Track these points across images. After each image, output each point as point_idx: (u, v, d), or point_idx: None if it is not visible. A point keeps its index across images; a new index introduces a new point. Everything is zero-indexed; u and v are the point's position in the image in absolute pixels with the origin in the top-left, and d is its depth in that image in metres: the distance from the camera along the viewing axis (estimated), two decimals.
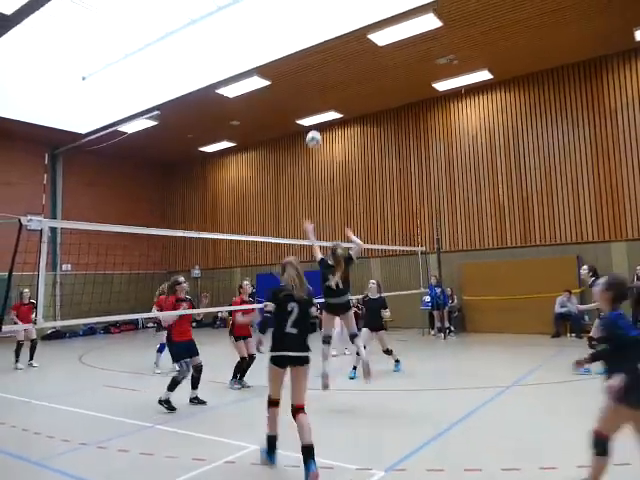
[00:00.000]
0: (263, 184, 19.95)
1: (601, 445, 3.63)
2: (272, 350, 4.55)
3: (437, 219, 15.25)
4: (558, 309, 12.62)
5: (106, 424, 6.28)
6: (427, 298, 14.20)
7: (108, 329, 18.94)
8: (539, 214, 14.00)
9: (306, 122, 17.41)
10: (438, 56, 12.91)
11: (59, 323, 12.85)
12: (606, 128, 13.21)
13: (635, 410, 3.47)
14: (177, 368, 6.92)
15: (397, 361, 9.06)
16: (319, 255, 7.18)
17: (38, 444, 5.63)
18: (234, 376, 8.13)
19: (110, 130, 16.32)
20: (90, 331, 18.62)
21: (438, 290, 13.73)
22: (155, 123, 16.24)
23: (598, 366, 6.89)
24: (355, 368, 8.39)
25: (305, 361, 4.52)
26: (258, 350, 4.88)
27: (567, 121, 13.74)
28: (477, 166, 15.09)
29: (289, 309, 4.57)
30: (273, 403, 4.63)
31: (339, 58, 12.83)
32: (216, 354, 12.21)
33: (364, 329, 8.79)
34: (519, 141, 14.44)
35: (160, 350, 9.83)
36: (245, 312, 7.94)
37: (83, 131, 16.99)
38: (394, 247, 15.36)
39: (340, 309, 6.91)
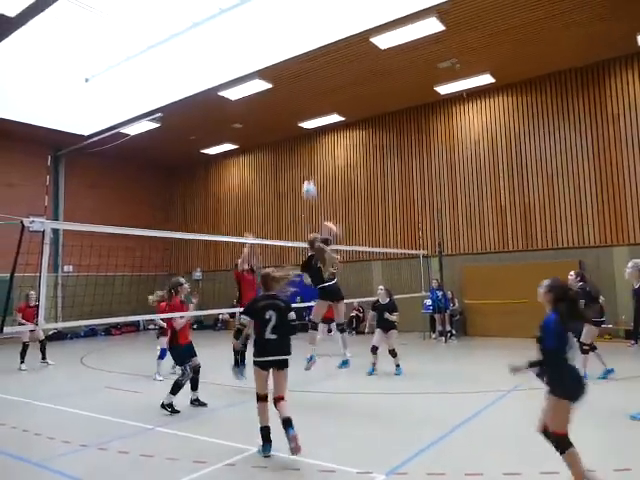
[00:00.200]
0: (265, 186, 19.97)
1: (564, 442, 3.87)
2: (255, 355, 5.06)
3: (439, 222, 15.26)
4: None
5: (107, 426, 6.29)
6: (428, 302, 14.18)
7: (109, 331, 18.94)
8: (541, 218, 13.99)
9: (308, 125, 17.46)
10: (440, 60, 12.92)
11: (61, 325, 12.85)
12: (608, 132, 13.21)
13: (572, 402, 3.85)
14: (178, 371, 6.91)
15: (398, 365, 9.20)
16: (307, 279, 7.28)
17: (39, 445, 5.64)
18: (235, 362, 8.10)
19: (113, 132, 16.35)
20: (91, 332, 18.65)
21: (439, 294, 13.72)
22: (157, 125, 16.28)
23: (597, 372, 6.83)
24: (399, 365, 9.08)
25: (284, 365, 5.06)
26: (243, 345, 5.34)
27: (569, 125, 13.74)
28: (479, 170, 15.09)
29: (267, 317, 5.06)
30: (261, 398, 5.07)
31: (341, 61, 12.85)
32: (216, 357, 12.21)
33: (377, 330, 9.41)
34: (521, 145, 14.44)
35: (161, 357, 9.57)
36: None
37: (86, 133, 17.03)
38: (395, 250, 15.35)
39: (336, 295, 7.13)
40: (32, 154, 17.61)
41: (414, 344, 13.11)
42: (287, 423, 4.78)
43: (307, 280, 7.11)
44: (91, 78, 14.57)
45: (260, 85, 13.78)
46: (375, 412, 6.68)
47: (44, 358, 11.48)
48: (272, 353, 5.01)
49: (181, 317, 7.00)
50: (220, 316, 18.97)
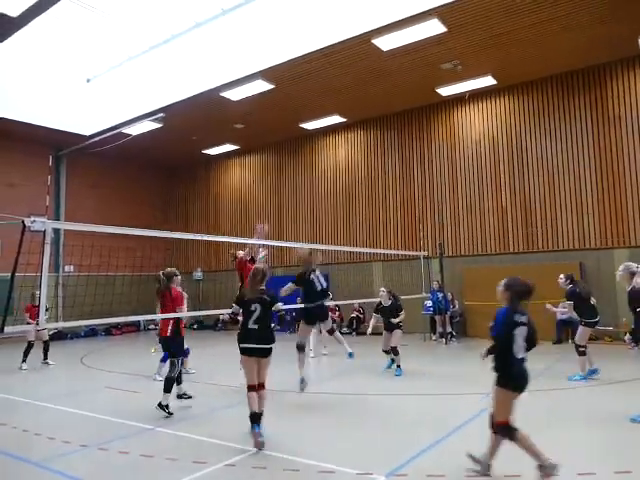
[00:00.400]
0: (266, 187, 19.99)
1: (509, 430, 4.14)
2: (239, 342, 5.61)
3: (439, 224, 15.25)
4: (560, 315, 12.59)
5: (107, 426, 6.29)
6: (429, 303, 14.18)
7: (109, 331, 18.96)
8: (542, 220, 13.98)
9: (309, 126, 17.47)
10: (442, 61, 12.93)
11: (61, 324, 12.88)
12: (610, 134, 13.21)
13: (514, 393, 4.16)
14: (168, 366, 6.93)
15: (398, 366, 9.20)
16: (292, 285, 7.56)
17: (39, 445, 5.64)
18: None
19: (114, 132, 16.37)
20: (92, 332, 18.66)
21: (440, 295, 13.71)
22: (159, 125, 16.30)
23: (596, 373, 6.84)
24: (399, 366, 9.12)
25: (266, 353, 5.55)
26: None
27: (571, 127, 13.74)
28: (480, 172, 15.09)
29: (252, 309, 5.58)
30: (250, 388, 5.50)
31: (343, 62, 12.87)
32: (216, 357, 12.23)
33: (384, 332, 9.54)
34: (522, 147, 14.44)
35: (164, 359, 9.33)
36: None
37: (87, 133, 17.04)
38: (396, 252, 15.35)
39: (320, 317, 7.51)
40: (33, 154, 17.64)
41: (415, 345, 13.10)
42: (258, 418, 5.35)
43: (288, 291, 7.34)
44: (93, 78, 14.56)
45: (262, 86, 13.80)
46: (375, 413, 6.68)
47: (45, 358, 11.50)
48: (253, 341, 5.50)
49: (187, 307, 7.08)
50: (220, 316, 18.97)
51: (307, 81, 13.94)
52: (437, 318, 13.99)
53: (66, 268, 18.20)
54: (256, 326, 5.55)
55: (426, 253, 14.46)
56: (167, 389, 6.67)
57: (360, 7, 10.83)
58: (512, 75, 13.95)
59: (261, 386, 5.57)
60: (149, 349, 12.74)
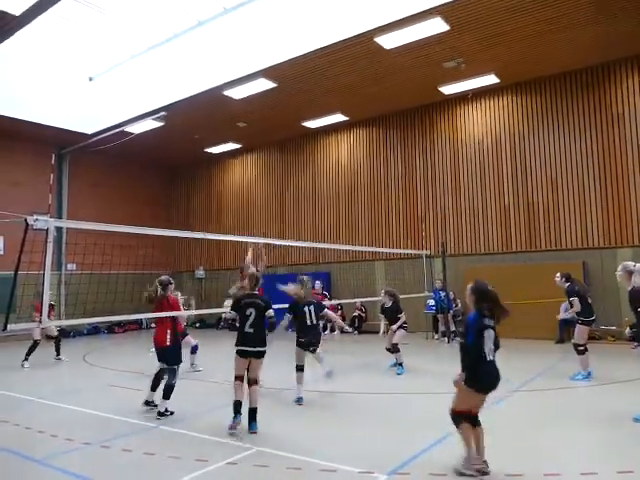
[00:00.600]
0: (268, 186, 19.98)
1: (458, 418, 4.37)
2: (236, 344, 5.99)
3: (442, 223, 15.22)
4: (562, 315, 12.56)
5: (110, 424, 6.31)
6: (431, 302, 14.16)
7: (112, 329, 19.01)
8: (545, 219, 13.96)
9: (312, 124, 17.45)
10: (444, 60, 12.89)
11: (64, 322, 12.92)
12: (613, 133, 13.17)
13: (480, 394, 4.36)
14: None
15: (400, 364, 9.22)
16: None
17: (41, 443, 5.64)
18: None
19: (117, 131, 16.38)
20: (94, 330, 18.69)
21: (442, 294, 13.70)
22: (161, 124, 16.30)
23: (572, 371, 6.83)
24: (401, 364, 9.22)
25: (259, 355, 5.92)
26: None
27: (574, 126, 13.70)
28: (483, 170, 15.06)
29: (247, 313, 5.97)
30: (237, 378, 5.90)
31: (346, 61, 12.85)
32: (218, 355, 12.23)
33: (389, 331, 9.57)
34: (525, 146, 14.40)
35: (194, 350, 9.98)
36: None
37: (90, 131, 17.06)
38: (398, 250, 15.34)
39: (310, 345, 7.42)
40: (36, 153, 17.66)
41: (417, 344, 13.09)
42: (252, 415, 5.70)
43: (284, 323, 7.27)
44: (95, 77, 14.59)
45: (264, 84, 13.79)
46: (377, 412, 6.69)
47: (58, 354, 11.68)
48: (249, 344, 5.89)
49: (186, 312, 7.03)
50: (223, 315, 18.99)
51: (309, 79, 13.92)
52: (439, 317, 13.96)
53: (68, 266, 18.23)
54: (252, 330, 5.93)
55: (428, 252, 14.44)
56: (166, 396, 6.52)
57: (363, 5, 10.83)
58: (515, 73, 13.91)
59: (253, 382, 5.88)
60: (151, 347, 12.74)
